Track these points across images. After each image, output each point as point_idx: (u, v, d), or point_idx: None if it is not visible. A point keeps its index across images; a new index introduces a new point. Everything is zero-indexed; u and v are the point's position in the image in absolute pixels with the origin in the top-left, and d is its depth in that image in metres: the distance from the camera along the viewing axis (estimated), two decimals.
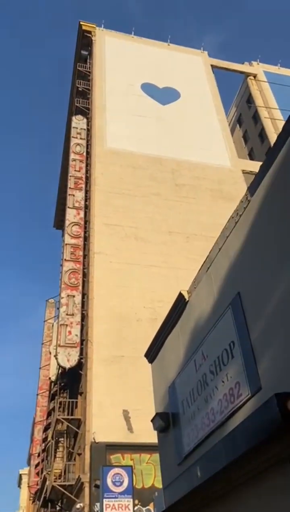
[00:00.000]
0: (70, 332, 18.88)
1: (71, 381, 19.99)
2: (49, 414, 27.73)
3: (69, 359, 18.17)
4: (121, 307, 19.44)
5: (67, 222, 22.73)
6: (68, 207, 23.30)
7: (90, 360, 17.61)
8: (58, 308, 39.42)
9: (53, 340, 29.07)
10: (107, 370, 17.47)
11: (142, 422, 16.23)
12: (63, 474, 17.08)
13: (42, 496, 23.71)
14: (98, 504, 14.18)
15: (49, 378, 27.73)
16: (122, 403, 16.60)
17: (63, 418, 17.49)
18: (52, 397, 26.05)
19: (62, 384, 19.97)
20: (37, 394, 40.61)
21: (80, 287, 20.48)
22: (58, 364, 18.09)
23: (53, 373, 26.63)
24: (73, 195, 23.82)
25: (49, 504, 19.02)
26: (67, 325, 19.04)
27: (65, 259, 21.30)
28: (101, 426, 15.80)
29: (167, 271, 21.26)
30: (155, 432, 16.30)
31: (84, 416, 16.74)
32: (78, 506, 14.94)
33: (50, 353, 29.16)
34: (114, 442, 15.44)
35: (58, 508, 19.44)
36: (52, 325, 38.68)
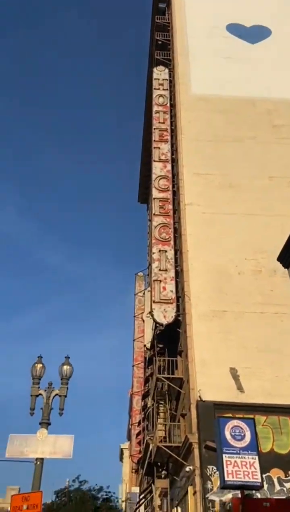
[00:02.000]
0: (164, 288, 17.49)
1: (168, 343, 18.67)
2: (146, 381, 27.04)
3: (165, 315, 16.81)
4: (219, 260, 17.51)
5: (154, 176, 21.24)
6: (154, 161, 21.77)
7: (189, 315, 16.05)
8: (147, 275, 38.66)
9: (146, 304, 28.23)
10: (208, 326, 15.77)
11: (254, 381, 14.37)
12: (167, 436, 15.93)
13: (146, 462, 23.14)
14: (210, 467, 12.72)
15: (144, 346, 26.91)
16: (228, 361, 14.84)
17: (164, 377, 16.26)
18: (149, 363, 25.20)
19: (159, 346, 18.74)
20: (133, 366, 40.68)
21: (172, 242, 18.93)
22: (154, 320, 16.83)
23: (147, 341, 25.74)
24: (159, 148, 22.21)
25: (154, 469, 18.13)
26: (160, 280, 17.67)
27: (154, 214, 19.88)
28: (207, 384, 14.23)
29: (269, 219, 18.75)
30: (270, 393, 14.30)
31: (186, 374, 15.30)
32: (187, 469, 13.63)
33: (143, 320, 28.31)
34: (223, 401, 13.78)
35: (163, 474, 18.48)
36: (144, 296, 38.14)
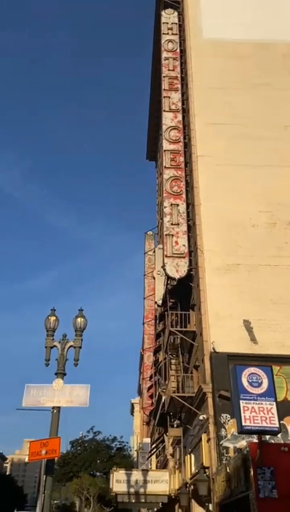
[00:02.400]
0: (176, 242, 17.15)
1: (180, 298, 18.57)
2: (157, 336, 27.38)
3: (178, 269, 16.58)
4: (232, 213, 17.01)
5: (164, 127, 20.35)
6: (164, 111, 20.79)
7: (202, 269, 15.79)
8: (157, 234, 38.21)
9: (157, 261, 28.06)
10: (222, 280, 15.54)
11: (268, 333, 14.27)
12: (180, 387, 16.16)
13: (159, 413, 23.80)
14: (224, 415, 12.88)
15: (155, 303, 26.97)
16: (242, 314, 14.71)
17: (177, 331, 16.28)
18: (160, 319, 25.35)
19: (171, 301, 18.65)
20: (143, 323, 41.27)
21: (184, 196, 18.38)
22: (167, 275, 16.63)
23: (158, 298, 25.74)
24: (169, 97, 21.15)
25: (168, 419, 18.58)
26: (173, 235, 17.30)
27: (165, 167, 19.21)
28: (220, 336, 14.19)
29: (285, 170, 18.03)
30: (284, 344, 14.24)
31: (199, 327, 15.26)
32: (201, 418, 13.86)
33: (153, 278, 28.21)
34: (237, 352, 13.77)
35: (176, 423, 18.95)
36: (154, 254, 37.98)
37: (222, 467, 10.98)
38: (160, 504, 22.39)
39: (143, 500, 19.99)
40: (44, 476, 9.26)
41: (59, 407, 10.42)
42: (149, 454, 33.70)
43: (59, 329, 11.47)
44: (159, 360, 25.62)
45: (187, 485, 15.92)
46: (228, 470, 9.73)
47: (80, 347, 11.36)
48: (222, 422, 12.77)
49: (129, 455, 36.83)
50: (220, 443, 12.47)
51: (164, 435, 26.43)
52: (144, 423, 51.84)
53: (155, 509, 28.14)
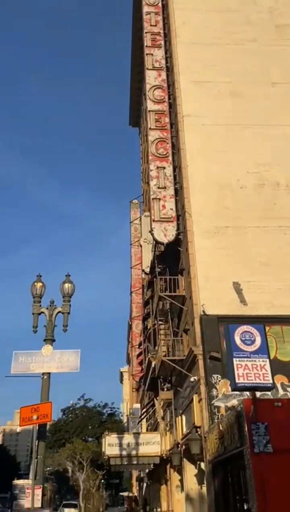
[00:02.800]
0: (164, 206, 16.73)
1: (169, 263, 18.31)
2: (146, 304, 27.37)
3: (166, 234, 16.24)
4: (220, 175, 16.59)
5: (147, 86, 19.48)
6: (147, 69, 19.86)
7: (190, 232, 15.49)
8: (142, 202, 37.62)
9: (143, 229, 27.70)
10: (211, 243, 15.29)
11: (257, 294, 14.19)
12: (170, 351, 16.18)
13: (149, 378, 24.08)
14: (215, 376, 12.92)
15: (143, 271, 26.78)
16: (231, 276, 14.57)
17: (166, 295, 16.11)
18: (148, 286, 25.23)
19: (160, 268, 18.39)
20: (131, 292, 41.31)
21: (170, 158, 17.81)
22: (155, 239, 16.30)
23: (146, 265, 25.52)
24: (152, 54, 20.16)
25: (159, 383, 18.73)
26: (160, 199, 16.85)
27: (150, 128, 18.50)
28: (210, 299, 14.07)
29: (272, 130, 17.55)
30: (273, 305, 14.23)
31: (189, 291, 15.11)
32: (192, 379, 13.91)
33: (140, 246, 27.92)
34: (227, 314, 13.70)
35: (166, 387, 19.14)
36: (140, 222, 37.55)
37: (215, 425, 11.07)
38: (152, 465, 23.04)
39: (135, 462, 20.44)
40: (36, 441, 9.14)
41: (49, 373, 10.23)
42: (140, 419, 34.48)
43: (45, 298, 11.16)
44: (148, 327, 25.70)
45: (179, 445, 16.20)
46: (221, 428, 9.78)
47: (69, 313, 11.10)
48: (213, 382, 12.83)
49: (120, 420, 37.62)
50: (212, 402, 12.55)
51: (155, 399, 26.89)
52: (134, 390, 52.95)
53: (147, 470, 29.06)
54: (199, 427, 13.02)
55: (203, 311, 13.86)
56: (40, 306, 11.01)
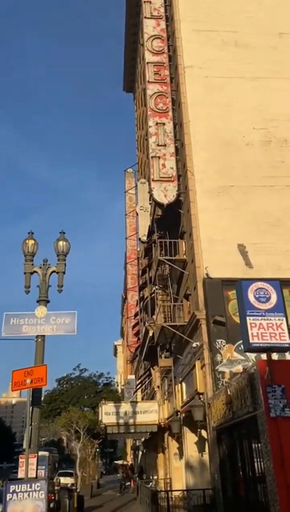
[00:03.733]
0: (164, 165, 15.67)
1: (168, 228, 17.37)
2: (143, 273, 26.63)
3: (166, 194, 15.26)
4: (224, 131, 15.49)
5: (145, 36, 18.04)
6: (145, 17, 18.38)
7: (192, 192, 14.52)
8: (137, 171, 36.33)
9: (140, 197, 26.66)
10: (215, 203, 14.36)
11: (264, 256, 13.40)
12: (170, 318, 15.48)
13: (146, 346, 23.57)
14: (219, 340, 12.26)
15: (139, 239, 25.84)
16: (236, 238, 13.73)
17: (166, 259, 15.25)
18: (145, 254, 24.40)
19: (159, 234, 17.42)
20: (126, 263, 40.53)
21: (170, 114, 16.62)
22: (154, 200, 15.31)
23: (142, 234, 24.61)
24: (150, 2, 18.61)
25: (157, 351, 18.14)
26: (159, 157, 15.77)
27: (148, 81, 17.21)
28: (213, 262, 13.26)
29: (280, 83, 16.36)
30: (280, 267, 13.46)
31: (191, 254, 14.27)
32: (194, 345, 13.26)
33: (136, 214, 26.90)
34: (231, 277, 12.92)
35: (164, 355, 18.56)
36: (135, 192, 36.39)
37: (220, 391, 10.45)
38: (148, 434, 22.84)
39: (132, 431, 20.12)
40: (31, 407, 8.43)
41: (43, 336, 9.42)
42: (135, 389, 34.37)
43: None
44: (145, 297, 25.02)
45: (179, 413, 15.76)
46: (229, 393, 9.13)
47: (64, 273, 10.20)
48: (217, 347, 12.17)
49: (116, 390, 37.50)
50: (216, 368, 11.93)
51: (151, 368, 26.55)
52: (128, 362, 52.93)
53: (143, 439, 29.06)
54: (202, 393, 12.45)
55: (207, 274, 13.08)
56: (32, 265, 10.09)
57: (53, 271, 10.17)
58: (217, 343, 12.23)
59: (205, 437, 14.69)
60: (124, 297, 59.42)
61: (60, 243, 10.38)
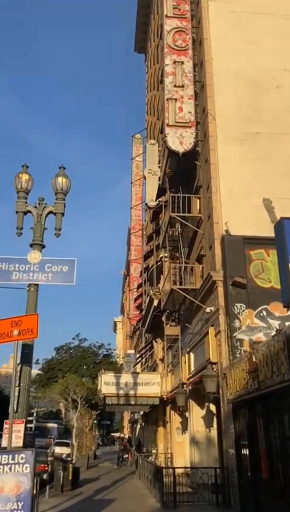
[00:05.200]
0: (181, 109, 13.85)
1: (179, 186, 15.61)
2: (149, 239, 25.08)
3: (182, 141, 13.50)
4: (251, 71, 13.60)
5: None
6: None
7: (213, 139, 12.77)
8: (145, 137, 34.23)
9: (148, 159, 24.86)
10: (238, 151, 12.64)
11: None
12: (182, 281, 13.95)
13: (149, 317, 22.27)
14: (238, 305, 10.78)
15: (146, 205, 24.12)
16: (262, 192, 12.08)
17: (178, 216, 13.61)
18: (153, 218, 22.79)
19: (172, 192, 15.65)
20: (130, 234, 38.91)
21: (190, 52, 14.67)
22: (169, 148, 13.54)
23: (149, 199, 22.89)
24: None
25: (163, 319, 16.75)
26: (176, 99, 13.92)
27: (166, 16, 15.18)
28: (234, 218, 11.66)
29: None
30: None
31: (208, 209, 12.65)
32: (207, 310, 11.80)
33: (144, 177, 25.08)
34: (255, 236, 11.36)
35: (169, 324, 17.21)
36: (143, 157, 34.44)
37: (241, 358, 9.04)
38: (148, 407, 21.77)
39: (133, 402, 18.96)
40: (20, 365, 7.01)
41: (37, 285, 7.93)
42: (136, 362, 33.38)
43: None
44: (150, 265, 23.56)
45: (185, 385, 14.49)
46: (254, 360, 7.69)
47: (63, 214, 8.62)
48: (235, 312, 10.70)
49: (116, 362, 36.52)
50: (233, 335, 10.49)
51: (153, 341, 25.35)
52: (128, 337, 52.01)
53: (141, 412, 28.12)
54: (215, 363, 11.07)
55: (227, 231, 11.48)
56: (26, 203, 8.50)
57: (50, 212, 8.59)
58: (235, 307, 10.75)
59: (214, 411, 13.42)
60: (125, 273, 58.10)
61: (60, 179, 8.74)
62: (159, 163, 25.25)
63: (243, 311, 10.71)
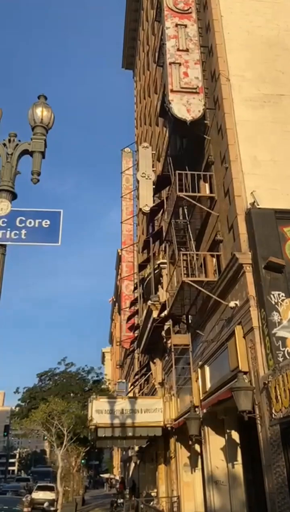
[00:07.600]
0: (186, 74, 11.75)
1: (184, 165, 13.27)
2: (145, 245, 22.57)
3: (189, 108, 11.29)
4: (268, 29, 11.73)
5: None
6: None
7: (227, 101, 10.62)
8: (135, 151, 32.51)
9: (140, 163, 22.95)
10: (258, 115, 10.48)
11: None
12: (193, 273, 11.36)
13: (146, 333, 19.46)
14: (275, 293, 8.24)
15: (140, 210, 21.83)
16: (288, 159, 9.86)
17: (187, 196, 11.17)
18: (149, 220, 20.44)
19: (179, 172, 13.20)
20: (121, 249, 36.48)
21: (194, 16, 12.76)
22: (174, 116, 11.24)
23: (144, 203, 20.71)
24: None
25: (171, 324, 13.97)
26: (180, 63, 11.84)
27: None
28: (260, 189, 9.34)
29: None
30: None
31: (225, 183, 10.30)
32: (231, 305, 9.19)
33: (137, 182, 22.92)
34: (287, 208, 9.04)
35: (178, 332, 14.42)
36: (135, 169, 32.53)
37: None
38: (146, 440, 18.62)
39: (130, 434, 15.80)
40: None
41: (4, 246, 5.36)
42: (128, 391, 30.05)
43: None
44: (148, 274, 20.96)
45: (199, 408, 11.65)
46: None
47: (43, 155, 6.14)
48: (273, 303, 8.16)
49: (108, 389, 32.99)
50: (272, 332, 7.90)
51: (151, 362, 22.38)
52: (117, 366, 48.60)
53: (136, 448, 24.70)
54: (246, 372, 8.40)
55: (253, 203, 9.12)
56: None
57: (25, 151, 6.10)
58: (272, 296, 8.22)
59: (237, 440, 10.59)
60: (114, 299, 55.21)
61: (38, 110, 6.30)
62: (153, 167, 23.27)
63: (283, 300, 8.18)
